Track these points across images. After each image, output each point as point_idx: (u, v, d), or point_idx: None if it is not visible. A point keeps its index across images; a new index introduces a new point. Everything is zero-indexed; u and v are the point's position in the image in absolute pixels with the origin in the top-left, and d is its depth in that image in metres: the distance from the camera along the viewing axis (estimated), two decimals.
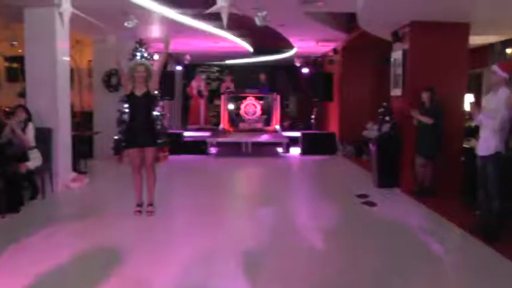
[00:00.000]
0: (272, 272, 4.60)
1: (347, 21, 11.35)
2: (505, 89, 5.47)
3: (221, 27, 10.41)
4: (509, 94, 5.41)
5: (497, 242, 5.32)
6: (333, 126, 14.44)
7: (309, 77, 15.84)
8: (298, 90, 19.66)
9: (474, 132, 7.04)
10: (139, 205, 6.59)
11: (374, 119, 9.34)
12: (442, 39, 8.12)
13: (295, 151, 13.33)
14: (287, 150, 13.28)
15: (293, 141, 13.48)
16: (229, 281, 4.34)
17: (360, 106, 13.11)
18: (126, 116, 10.80)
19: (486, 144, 5.49)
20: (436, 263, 4.95)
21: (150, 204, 6.58)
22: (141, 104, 6.40)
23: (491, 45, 10.47)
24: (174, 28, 10.53)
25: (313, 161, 12.25)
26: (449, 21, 7.96)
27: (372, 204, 7.36)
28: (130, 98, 6.45)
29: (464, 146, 7.90)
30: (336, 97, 14.02)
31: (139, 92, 6.36)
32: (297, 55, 16.21)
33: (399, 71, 8.60)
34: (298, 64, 17.03)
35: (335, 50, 13.94)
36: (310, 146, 13.18)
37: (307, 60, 17.33)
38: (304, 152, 13.11)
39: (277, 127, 15.41)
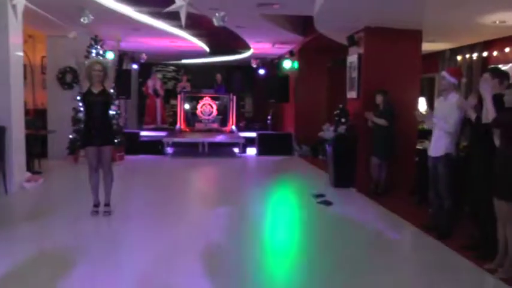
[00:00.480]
0: (231, 270, 4.64)
1: (303, 24, 11.50)
2: (454, 93, 5.71)
3: (179, 26, 10.38)
4: (458, 98, 5.65)
5: (449, 239, 5.55)
6: (289, 127, 14.60)
7: (265, 78, 15.97)
8: (255, 91, 19.78)
9: (427, 134, 7.28)
10: (96, 205, 6.49)
11: (330, 120, 9.51)
12: (396, 45, 8.38)
13: (251, 151, 13.41)
14: (243, 151, 13.34)
15: (249, 142, 13.55)
16: (189, 279, 4.35)
17: (316, 107, 13.32)
18: (81, 115, 10.64)
19: (437, 146, 5.70)
20: (391, 260, 5.11)
21: (107, 205, 6.50)
22: (98, 102, 6.32)
23: (442, 52, 10.84)
24: (131, 26, 10.43)
25: (269, 162, 12.36)
26: (402, 28, 8.24)
27: (328, 203, 7.49)
28: (86, 96, 6.36)
29: (418, 147, 8.17)
30: (292, 98, 14.19)
31: (96, 90, 6.29)
32: (253, 56, 16.31)
33: (354, 74, 8.80)
34: (254, 65, 17.13)
35: (291, 52, 14.10)
36: (266, 146, 13.30)
37: (264, 62, 17.46)
38: (260, 153, 13.22)
39: (234, 127, 15.46)
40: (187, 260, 4.82)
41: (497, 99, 4.52)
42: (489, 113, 4.43)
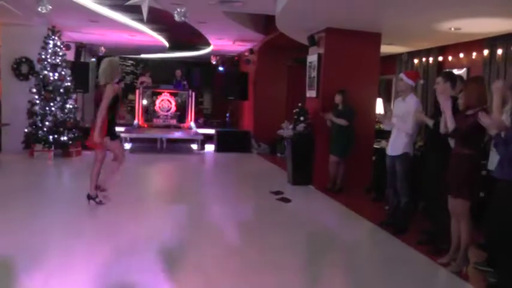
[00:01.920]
0: (189, 266, 4.64)
1: (265, 23, 11.57)
2: (412, 95, 5.90)
3: (139, 20, 10.27)
4: (416, 100, 5.86)
5: (405, 235, 5.74)
6: (248, 125, 14.67)
7: (225, 76, 15.97)
8: (214, 88, 19.73)
9: (384, 134, 7.47)
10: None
11: (289, 119, 9.60)
12: (355, 46, 8.56)
13: (209, 148, 13.40)
14: (202, 148, 13.32)
15: (208, 139, 13.54)
16: (149, 276, 4.32)
17: (275, 105, 13.43)
18: (37, 108, 10.40)
19: (395, 145, 5.88)
20: (348, 255, 5.23)
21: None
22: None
23: (399, 55, 11.12)
24: (90, 17, 10.25)
25: (227, 159, 12.40)
26: (362, 30, 8.43)
27: (286, 200, 7.58)
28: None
29: (375, 146, 8.37)
30: (251, 96, 14.25)
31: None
32: (213, 53, 16.28)
33: (314, 73, 8.92)
34: (214, 62, 17.09)
35: (251, 50, 14.16)
36: (224, 143, 13.33)
37: (224, 59, 17.44)
38: (218, 150, 13.23)
39: (192, 124, 15.39)
40: (146, 258, 4.77)
41: (452, 103, 4.72)
42: (449, 125, 4.59)
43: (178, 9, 7.96)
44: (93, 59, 16.31)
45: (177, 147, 13.38)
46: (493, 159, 4.41)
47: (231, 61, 17.15)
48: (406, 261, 5.06)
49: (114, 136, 6.64)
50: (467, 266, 4.68)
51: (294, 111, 9.08)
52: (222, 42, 13.72)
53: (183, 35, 13.20)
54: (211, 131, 14.03)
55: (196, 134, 14.07)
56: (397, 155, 5.81)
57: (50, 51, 10.66)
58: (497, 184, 4.10)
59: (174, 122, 15.18)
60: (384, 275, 4.72)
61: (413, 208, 6.39)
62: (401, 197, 5.84)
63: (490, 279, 4.38)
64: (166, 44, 14.65)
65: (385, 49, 9.96)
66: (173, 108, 15.31)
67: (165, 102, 15.29)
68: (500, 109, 4.35)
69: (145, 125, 14.86)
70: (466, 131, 4.47)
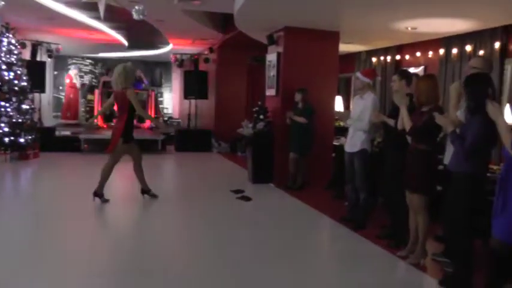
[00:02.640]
0: (141, 265, 4.59)
1: (224, 21, 11.55)
2: (370, 93, 6.00)
3: (96, 18, 10.11)
4: (373, 97, 5.96)
5: (365, 229, 5.85)
6: (209, 124, 14.61)
7: (184, 75, 15.85)
8: (174, 87, 19.60)
9: (343, 131, 7.57)
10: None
11: (249, 117, 9.62)
12: (314, 45, 8.65)
13: (170, 148, 13.29)
14: (162, 147, 13.18)
15: (168, 139, 13.42)
16: (101, 279, 4.27)
17: (235, 104, 13.44)
18: None
19: (353, 142, 5.96)
20: (309, 251, 5.26)
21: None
22: None
23: (358, 54, 11.30)
24: (46, 15, 10.03)
25: (188, 158, 12.33)
26: (321, 29, 8.52)
27: (247, 199, 7.58)
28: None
29: (335, 143, 8.47)
30: (211, 95, 14.20)
31: None
32: (172, 52, 16.15)
33: (274, 72, 8.96)
34: (173, 61, 16.93)
35: (211, 49, 14.12)
36: (185, 143, 13.26)
37: (183, 58, 17.29)
38: (179, 149, 13.15)
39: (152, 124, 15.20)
40: (106, 260, 4.72)
41: (409, 100, 4.87)
42: (406, 124, 4.71)
43: (137, 7, 7.88)
44: (50, 58, 15.94)
45: None
46: (449, 154, 4.53)
47: (191, 60, 17.01)
48: (366, 256, 5.14)
49: (132, 139, 7.08)
50: (425, 257, 4.79)
51: (254, 109, 9.10)
52: (182, 41, 13.64)
53: (142, 34, 13.07)
54: (172, 131, 13.91)
55: (157, 133, 13.92)
56: (355, 152, 5.90)
57: (4, 49, 10.33)
58: (452, 177, 4.22)
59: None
60: (344, 270, 4.78)
61: (373, 203, 6.49)
62: (360, 193, 5.94)
63: (447, 269, 4.50)
64: (125, 43, 14.46)
65: (345, 48, 10.11)
66: None
67: None
68: (457, 108, 4.48)
69: (105, 126, 14.59)
70: (421, 128, 4.57)
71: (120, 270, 4.42)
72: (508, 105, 6.79)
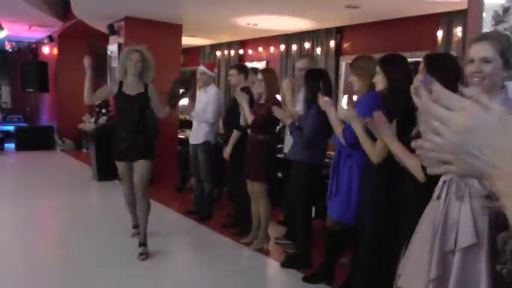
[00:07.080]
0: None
1: (64, 8, 10.90)
2: (213, 85, 6.11)
3: None
4: (216, 90, 6.09)
5: (211, 220, 5.95)
6: (51, 119, 13.72)
7: (22, 65, 14.65)
8: (11, 79, 18.03)
9: (189, 124, 7.58)
10: (135, 226, 5.41)
11: (92, 111, 9.23)
12: (156, 37, 8.44)
13: (9, 147, 12.25)
14: (1, 147, 12.08)
15: (7, 136, 12.37)
16: None
17: (78, 97, 12.55)
18: None
19: (197, 134, 6.02)
20: (156, 245, 5.08)
21: (143, 244, 4.91)
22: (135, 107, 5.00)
23: (203, 47, 11.38)
24: None
25: (29, 158, 11.37)
26: (163, 20, 8.43)
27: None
28: (118, 97, 5.04)
29: (180, 136, 8.45)
30: (52, 88, 13.35)
31: (131, 91, 5.03)
32: (8, 39, 14.81)
33: (115, 63, 8.68)
34: (9, 49, 15.56)
35: (51, 37, 13.24)
36: (26, 141, 12.23)
37: (20, 46, 15.99)
38: (19, 148, 12.12)
39: None
40: None
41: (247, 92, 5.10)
42: (248, 118, 4.89)
43: None
44: None
45: None
46: (288, 143, 4.81)
47: (29, 49, 15.79)
48: (212, 245, 5.24)
49: None
50: (269, 242, 5.02)
51: (97, 103, 8.74)
52: (17, 26, 12.54)
53: None
54: (11, 128, 12.85)
55: None
56: (199, 143, 5.96)
57: None
58: (291, 165, 4.46)
59: None
60: (191, 261, 4.86)
61: (218, 194, 6.61)
62: (204, 184, 6.01)
63: (288, 251, 4.83)
64: None
65: (189, 41, 10.12)
66: None
67: None
68: (293, 101, 4.75)
69: None
70: (260, 120, 4.76)
71: None
72: (345, 97, 7.52)
